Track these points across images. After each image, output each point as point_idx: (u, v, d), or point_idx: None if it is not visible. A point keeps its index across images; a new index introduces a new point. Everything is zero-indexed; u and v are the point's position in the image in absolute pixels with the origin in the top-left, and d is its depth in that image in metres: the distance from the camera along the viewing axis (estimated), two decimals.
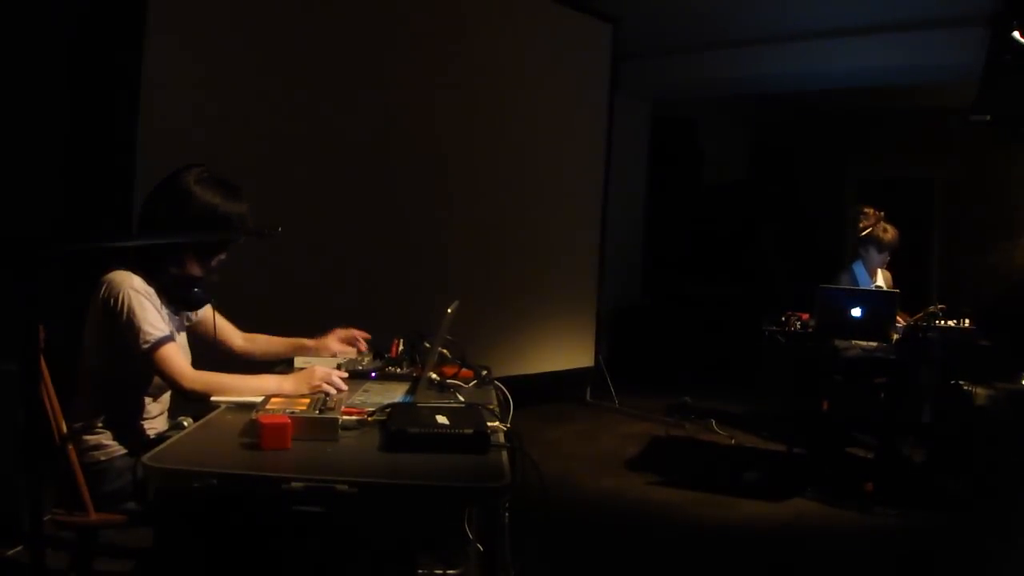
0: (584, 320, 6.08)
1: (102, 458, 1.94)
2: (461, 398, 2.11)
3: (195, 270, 2.04)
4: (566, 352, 5.96)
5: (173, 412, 2.11)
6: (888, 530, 3.52)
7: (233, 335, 2.33)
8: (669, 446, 4.98)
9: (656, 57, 6.77)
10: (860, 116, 7.93)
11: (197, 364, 2.04)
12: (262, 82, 4.02)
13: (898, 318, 4.00)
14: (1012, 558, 3.30)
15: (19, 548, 2.57)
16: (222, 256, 2.10)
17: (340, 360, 2.26)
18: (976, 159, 7.30)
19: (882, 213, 4.32)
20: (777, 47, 6.17)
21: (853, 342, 4.20)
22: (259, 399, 1.80)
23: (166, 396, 2.10)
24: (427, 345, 2.37)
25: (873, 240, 4.30)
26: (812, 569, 3.16)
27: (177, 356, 1.93)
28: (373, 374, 2.28)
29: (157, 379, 1.97)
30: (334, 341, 2.28)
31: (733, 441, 5.00)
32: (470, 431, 1.62)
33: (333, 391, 1.96)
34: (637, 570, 3.09)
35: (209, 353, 2.24)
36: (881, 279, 4.45)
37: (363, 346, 2.35)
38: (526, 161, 5.51)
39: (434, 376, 2.25)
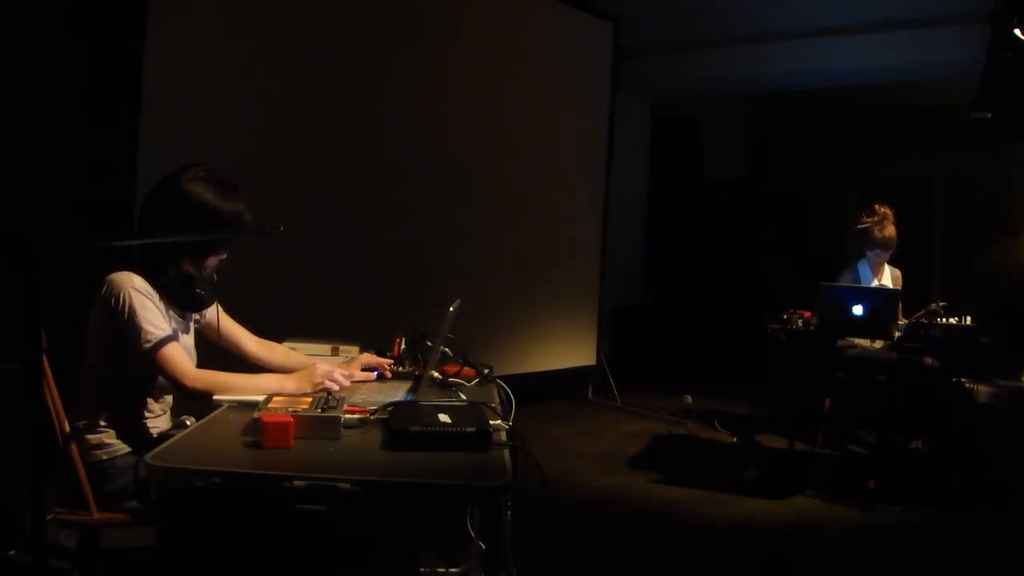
0: (586, 318, 6.08)
1: (104, 457, 1.94)
2: (463, 396, 2.11)
3: (190, 269, 2.03)
4: (568, 350, 5.96)
5: (175, 411, 2.11)
6: (889, 528, 3.52)
7: (244, 339, 2.29)
8: (671, 444, 4.98)
9: (657, 55, 6.77)
10: (861, 114, 7.93)
11: (209, 365, 2.04)
12: (263, 82, 4.02)
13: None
14: (1013, 556, 3.30)
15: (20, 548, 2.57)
16: (222, 256, 2.09)
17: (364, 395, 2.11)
18: (977, 156, 7.30)
19: (891, 214, 4.29)
20: (778, 45, 6.17)
21: (855, 340, 4.20)
22: (261, 398, 1.80)
23: (169, 395, 2.10)
24: (429, 344, 2.37)
25: (865, 236, 4.29)
26: (813, 567, 3.16)
27: (179, 355, 1.93)
28: (376, 373, 2.29)
29: (160, 378, 1.97)
30: (357, 368, 2.27)
31: (735, 439, 5.00)
32: (472, 429, 1.62)
33: (336, 388, 1.96)
34: (638, 568, 3.09)
35: (220, 355, 2.23)
36: (889, 278, 4.44)
37: (388, 373, 2.33)
38: (527, 159, 5.51)
39: (436, 375, 2.25)
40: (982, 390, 4.07)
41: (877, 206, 4.31)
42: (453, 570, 2.51)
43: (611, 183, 6.20)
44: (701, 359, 6.72)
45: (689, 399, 5.97)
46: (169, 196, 1.97)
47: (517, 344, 5.49)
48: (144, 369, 1.94)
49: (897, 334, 3.90)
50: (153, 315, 1.92)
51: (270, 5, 4.07)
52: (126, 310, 1.89)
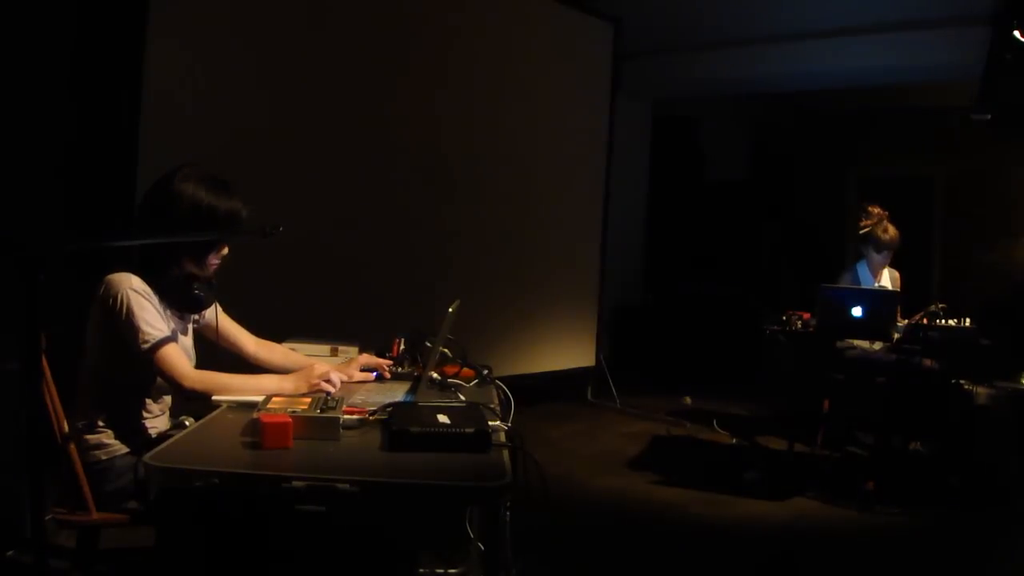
0: (585, 319, 6.08)
1: (103, 457, 1.94)
2: (462, 397, 2.11)
3: (192, 269, 2.02)
4: (567, 351, 5.96)
5: (175, 411, 2.12)
6: (889, 529, 3.52)
7: (243, 339, 2.29)
8: (670, 445, 4.98)
9: (657, 57, 6.76)
10: (861, 115, 7.93)
11: (209, 365, 2.04)
12: (264, 83, 4.02)
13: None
14: (1013, 557, 3.30)
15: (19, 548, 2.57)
16: (224, 252, 2.09)
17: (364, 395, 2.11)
18: (977, 158, 7.30)
19: (886, 213, 4.30)
20: (778, 47, 6.17)
21: (854, 342, 4.20)
22: (260, 398, 1.80)
23: (167, 395, 2.10)
24: (428, 344, 2.37)
25: (871, 239, 4.29)
26: (812, 568, 3.16)
27: (177, 356, 1.93)
28: (375, 373, 2.29)
29: (158, 379, 1.97)
30: (356, 368, 2.27)
31: (734, 440, 5.00)
32: (471, 430, 1.62)
33: (333, 389, 1.96)
34: (638, 569, 3.09)
35: (220, 355, 2.23)
36: (887, 279, 4.45)
37: (387, 374, 2.33)
38: (527, 161, 5.51)
39: (435, 375, 2.25)
40: (981, 392, 4.07)
41: (870, 207, 4.31)
42: (452, 571, 2.50)
43: (611, 184, 6.20)
44: (701, 360, 6.72)
45: (688, 400, 5.97)
46: (163, 198, 1.97)
47: (516, 345, 5.49)
48: (143, 370, 1.94)
49: (896, 336, 3.90)
50: (151, 316, 1.92)
51: (272, 7, 4.07)
52: (124, 311, 1.89)
